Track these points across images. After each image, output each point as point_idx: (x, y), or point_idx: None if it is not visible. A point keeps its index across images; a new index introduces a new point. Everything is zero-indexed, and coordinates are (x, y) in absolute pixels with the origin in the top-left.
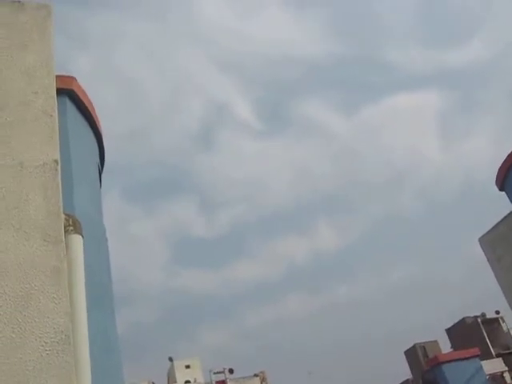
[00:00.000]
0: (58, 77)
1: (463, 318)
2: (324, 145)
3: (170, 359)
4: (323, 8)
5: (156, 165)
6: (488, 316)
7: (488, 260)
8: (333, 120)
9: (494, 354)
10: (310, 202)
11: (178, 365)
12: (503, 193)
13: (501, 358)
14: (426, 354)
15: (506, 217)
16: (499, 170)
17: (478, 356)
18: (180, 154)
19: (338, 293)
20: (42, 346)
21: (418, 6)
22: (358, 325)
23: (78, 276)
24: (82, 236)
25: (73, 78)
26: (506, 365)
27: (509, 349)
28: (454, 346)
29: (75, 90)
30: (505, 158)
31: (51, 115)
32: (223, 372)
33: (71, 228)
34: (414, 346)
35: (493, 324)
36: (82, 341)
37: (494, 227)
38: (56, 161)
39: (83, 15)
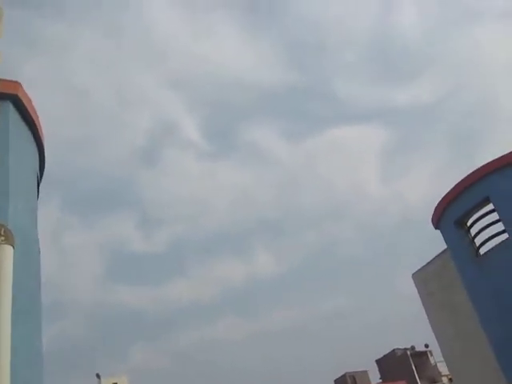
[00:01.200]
0: (1, 81)
1: (393, 350)
2: (268, 171)
3: (98, 376)
4: (279, 35)
5: (99, 177)
6: (417, 349)
7: (420, 296)
8: (278, 147)
9: None
10: (251, 227)
11: (105, 382)
12: (438, 231)
13: None
14: None
15: (439, 254)
16: (435, 209)
17: None
18: (124, 167)
19: (273, 318)
20: None
21: (371, 42)
22: (291, 351)
23: (4, 287)
24: (13, 247)
25: (18, 84)
26: None
27: (435, 382)
28: (383, 377)
29: (19, 95)
30: (441, 198)
31: None
32: None
33: (2, 238)
34: (344, 375)
35: (421, 357)
36: (4, 353)
37: (427, 264)
38: None
39: (36, 21)
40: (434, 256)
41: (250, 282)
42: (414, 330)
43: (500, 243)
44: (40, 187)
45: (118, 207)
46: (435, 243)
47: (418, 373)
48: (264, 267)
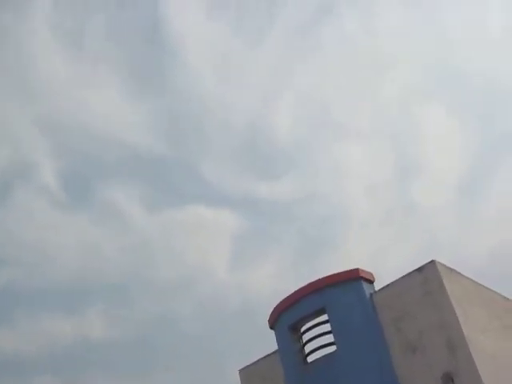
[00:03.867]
0: None
1: None
2: (122, 234)
3: None
4: (161, 104)
5: None
6: None
7: None
8: (136, 213)
9: None
10: (92, 286)
11: None
12: (272, 331)
13: None
14: None
15: (269, 354)
16: (273, 310)
17: None
18: None
19: None
20: None
21: (246, 134)
22: None
23: None
24: None
25: None
26: None
27: None
28: None
29: None
30: (280, 300)
31: None
32: None
33: None
34: None
35: None
36: None
37: (255, 362)
38: None
39: None
40: (264, 355)
41: (79, 343)
42: None
43: (327, 354)
44: None
45: None
46: (270, 342)
47: None
48: (97, 331)
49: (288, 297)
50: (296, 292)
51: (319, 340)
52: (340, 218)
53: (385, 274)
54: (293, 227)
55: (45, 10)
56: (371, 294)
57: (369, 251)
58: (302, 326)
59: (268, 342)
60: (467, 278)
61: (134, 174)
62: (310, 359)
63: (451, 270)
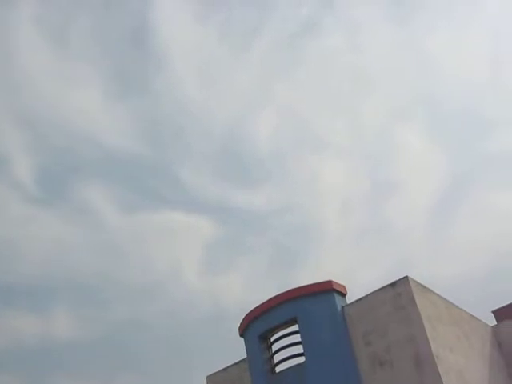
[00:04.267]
0: None
1: None
2: (93, 234)
3: None
4: (142, 106)
5: None
6: None
7: None
8: (109, 213)
9: None
10: (60, 285)
11: None
12: (242, 339)
13: None
14: None
15: (238, 362)
16: (244, 318)
17: None
18: None
19: None
20: None
21: (225, 141)
22: None
23: None
24: None
25: None
26: None
27: None
28: None
29: None
30: (251, 309)
31: None
32: None
33: None
34: None
35: None
36: None
37: (224, 369)
38: None
39: None
40: (232, 362)
41: (45, 342)
42: None
43: (296, 365)
44: None
45: None
46: (239, 349)
47: None
48: (64, 330)
49: (260, 305)
50: (268, 301)
51: (288, 350)
52: (314, 231)
53: (356, 288)
54: (266, 237)
55: (31, 3)
56: (343, 307)
57: (341, 265)
58: (272, 336)
59: (238, 349)
60: (438, 296)
61: (111, 174)
62: (278, 369)
63: (423, 286)
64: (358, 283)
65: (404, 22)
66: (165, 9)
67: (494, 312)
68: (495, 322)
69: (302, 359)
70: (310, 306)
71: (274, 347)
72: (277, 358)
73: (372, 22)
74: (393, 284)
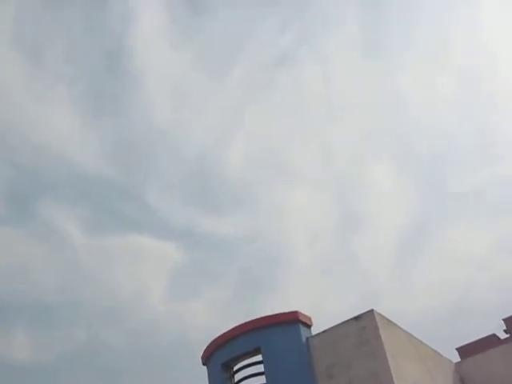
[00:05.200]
0: None
1: None
2: (57, 254)
3: None
4: (114, 125)
5: None
6: None
7: None
8: (74, 233)
9: None
10: (17, 305)
11: None
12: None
13: None
14: None
15: None
16: (207, 347)
17: None
18: None
19: None
20: None
21: (194, 166)
22: None
23: None
24: None
25: None
26: None
27: None
28: None
29: None
30: (215, 338)
31: None
32: None
33: None
34: None
35: None
36: None
37: None
38: None
39: None
40: None
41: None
42: None
43: None
44: None
45: None
46: (202, 377)
47: None
48: (19, 351)
49: (223, 334)
50: (232, 329)
51: (251, 380)
52: (281, 260)
53: (321, 319)
54: (233, 265)
55: (9, 20)
56: (307, 338)
57: (308, 295)
58: (235, 365)
59: (201, 377)
60: (403, 331)
61: (79, 194)
62: None
63: (389, 321)
64: (324, 314)
65: (377, 57)
66: (142, 33)
67: (458, 349)
68: (459, 359)
69: None
70: (274, 336)
71: (237, 377)
72: None
73: (345, 55)
74: (358, 317)
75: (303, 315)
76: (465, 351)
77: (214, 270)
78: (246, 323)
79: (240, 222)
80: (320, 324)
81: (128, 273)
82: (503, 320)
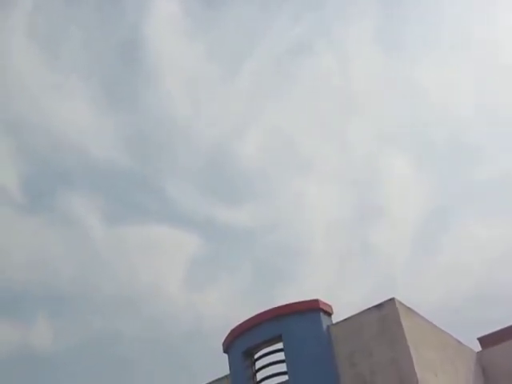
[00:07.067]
0: None
1: None
2: (76, 243)
3: None
4: (130, 117)
5: None
6: None
7: None
8: (93, 223)
9: None
10: (40, 295)
11: None
12: (226, 354)
13: None
14: None
15: (220, 379)
16: (228, 334)
17: None
18: None
19: None
20: None
21: (211, 156)
22: None
23: None
24: None
25: None
26: None
27: None
28: None
29: None
30: (236, 325)
31: None
32: None
33: None
34: None
35: None
36: None
37: None
38: None
39: None
40: (214, 379)
41: (23, 350)
42: None
43: (279, 383)
44: None
45: None
46: (222, 364)
47: None
48: (41, 340)
49: (245, 321)
50: (254, 317)
51: (272, 368)
52: (298, 251)
53: (339, 308)
54: (250, 254)
55: (25, 11)
56: (328, 327)
57: (326, 284)
58: (256, 352)
59: (220, 366)
60: (424, 319)
61: (97, 185)
62: None
63: (409, 309)
64: (342, 303)
65: (393, 49)
66: (159, 24)
67: (480, 339)
68: (480, 348)
69: (285, 377)
70: (295, 324)
71: (258, 364)
72: (260, 375)
73: (362, 46)
74: (379, 305)
75: (324, 303)
76: (486, 341)
77: (232, 261)
78: (268, 311)
79: (257, 213)
80: (339, 312)
81: (146, 263)
82: None
